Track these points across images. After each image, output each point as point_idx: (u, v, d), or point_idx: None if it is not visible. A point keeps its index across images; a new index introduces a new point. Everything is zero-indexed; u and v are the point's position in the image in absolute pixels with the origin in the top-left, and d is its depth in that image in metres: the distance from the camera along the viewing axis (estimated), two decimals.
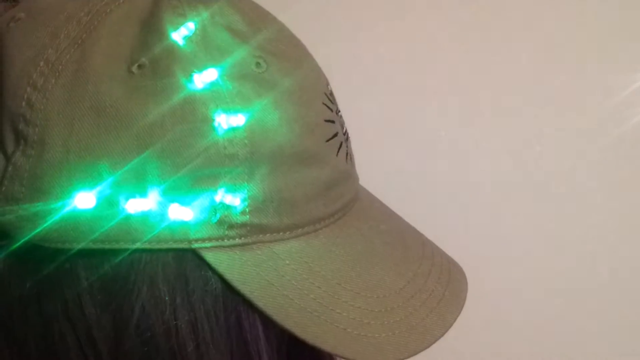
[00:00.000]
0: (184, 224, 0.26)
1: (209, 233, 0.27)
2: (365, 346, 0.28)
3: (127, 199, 0.26)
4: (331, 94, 0.33)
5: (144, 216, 0.26)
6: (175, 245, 0.26)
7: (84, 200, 0.26)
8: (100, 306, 0.27)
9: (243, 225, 0.27)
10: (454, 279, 0.34)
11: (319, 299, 0.28)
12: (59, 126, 0.26)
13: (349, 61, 0.63)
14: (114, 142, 0.26)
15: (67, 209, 0.26)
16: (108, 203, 0.26)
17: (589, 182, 0.62)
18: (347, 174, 0.33)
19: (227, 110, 0.27)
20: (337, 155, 0.32)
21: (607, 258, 0.63)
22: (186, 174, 0.26)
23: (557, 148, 0.62)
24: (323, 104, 0.31)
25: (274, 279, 0.28)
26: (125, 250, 0.26)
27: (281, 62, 0.29)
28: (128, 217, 0.26)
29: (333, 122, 0.32)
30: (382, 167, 0.63)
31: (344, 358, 0.29)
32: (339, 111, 0.34)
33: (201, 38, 0.27)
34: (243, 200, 0.27)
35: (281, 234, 0.29)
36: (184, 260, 0.27)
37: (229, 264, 0.27)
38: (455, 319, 0.32)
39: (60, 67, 0.27)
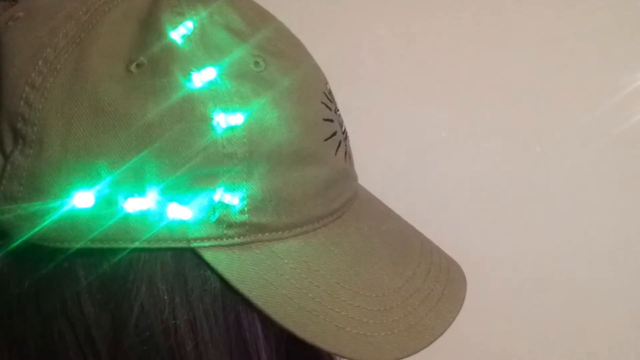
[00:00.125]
0: (182, 223, 0.26)
1: (207, 232, 0.27)
2: (364, 345, 0.28)
3: (125, 198, 0.26)
4: (330, 92, 0.33)
5: (143, 215, 0.26)
6: (174, 245, 0.26)
7: (82, 199, 0.26)
8: (99, 305, 0.27)
9: (242, 224, 0.27)
10: (452, 278, 0.34)
11: (317, 298, 0.28)
12: (57, 125, 0.26)
13: (349, 60, 0.63)
14: (112, 142, 0.26)
15: (66, 208, 0.26)
16: (106, 202, 0.26)
17: (589, 182, 0.62)
18: (346, 173, 0.33)
19: (226, 110, 0.27)
20: (335, 154, 0.32)
21: (608, 258, 0.63)
22: (185, 173, 0.26)
23: (557, 148, 0.62)
24: (322, 103, 0.31)
25: (272, 278, 0.28)
26: (124, 249, 0.26)
27: (280, 61, 0.29)
28: (127, 216, 0.26)
29: (332, 121, 0.32)
30: (381, 167, 0.63)
31: (342, 357, 0.29)
32: (338, 110, 0.34)
33: (200, 37, 0.27)
34: (242, 200, 0.27)
35: (280, 233, 0.29)
36: (182, 260, 0.27)
37: (227, 263, 0.27)
38: (454, 318, 0.32)
39: (59, 66, 0.27)
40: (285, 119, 0.28)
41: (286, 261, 0.29)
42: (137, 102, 0.26)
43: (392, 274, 0.32)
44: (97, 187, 0.26)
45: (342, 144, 0.33)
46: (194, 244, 0.27)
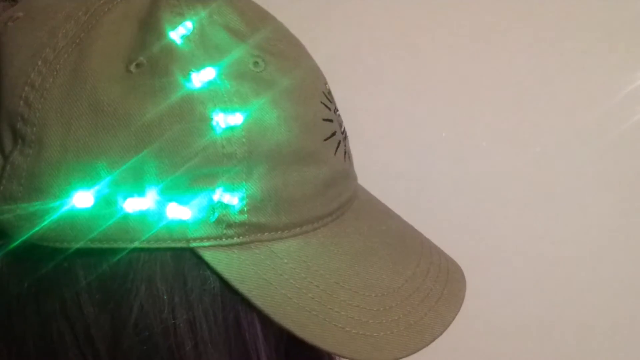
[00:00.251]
0: (182, 223, 0.26)
1: (207, 232, 0.27)
2: (363, 345, 0.28)
3: (125, 198, 0.26)
4: (329, 93, 0.33)
5: (142, 215, 0.26)
6: (173, 245, 0.26)
7: (81, 199, 0.26)
8: (98, 305, 0.27)
9: (241, 224, 0.27)
10: (452, 278, 0.34)
11: (317, 297, 0.28)
12: (56, 125, 0.26)
13: (348, 60, 0.63)
14: (112, 142, 0.26)
15: (65, 208, 0.26)
16: (106, 202, 0.26)
17: (589, 182, 0.62)
18: (346, 173, 0.33)
19: (225, 110, 0.27)
20: (335, 154, 0.32)
21: (608, 258, 0.63)
22: (184, 173, 0.26)
23: (557, 148, 0.62)
24: (321, 102, 0.31)
25: (272, 278, 0.28)
26: (124, 249, 0.26)
27: (279, 61, 0.29)
28: (126, 216, 0.26)
29: (331, 121, 0.32)
30: (381, 167, 0.63)
31: (342, 357, 0.29)
32: (337, 110, 0.34)
33: (199, 37, 0.27)
34: (241, 200, 0.27)
35: (279, 233, 0.29)
36: (182, 260, 0.27)
37: (227, 263, 0.27)
38: (453, 318, 0.32)
39: (58, 66, 0.27)
40: (285, 119, 0.28)
41: (285, 261, 0.29)
42: (136, 102, 0.26)
43: (392, 273, 0.32)
44: (97, 187, 0.26)
45: (342, 144, 0.33)
46: (193, 244, 0.27)
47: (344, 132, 0.34)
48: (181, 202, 0.26)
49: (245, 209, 0.27)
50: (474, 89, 0.62)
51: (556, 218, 0.63)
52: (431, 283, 0.33)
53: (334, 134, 0.32)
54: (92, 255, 0.26)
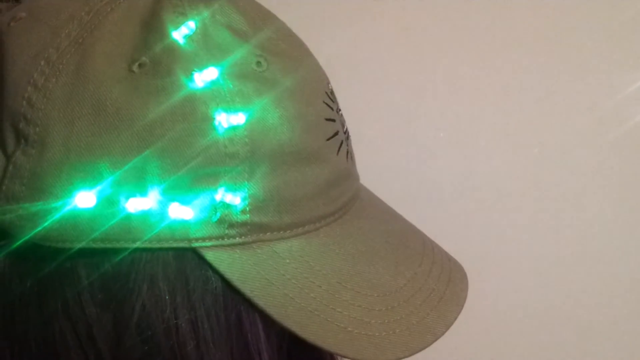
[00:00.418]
0: (184, 223, 0.26)
1: (209, 232, 0.27)
2: (365, 345, 0.28)
3: (127, 198, 0.26)
4: (332, 92, 0.33)
5: (144, 215, 0.26)
6: (175, 245, 0.26)
7: (84, 199, 0.26)
8: (100, 305, 0.27)
9: (243, 224, 0.27)
10: (454, 278, 0.34)
11: (319, 297, 0.28)
12: (59, 125, 0.26)
13: (350, 60, 0.63)
14: (114, 141, 0.26)
15: (68, 208, 0.26)
16: (108, 202, 0.26)
17: (590, 182, 0.62)
18: (348, 173, 0.33)
19: (228, 109, 0.27)
20: (337, 154, 0.32)
21: (608, 258, 0.63)
22: (186, 173, 0.26)
23: (557, 148, 0.62)
24: (324, 102, 0.31)
25: (274, 278, 0.28)
26: (126, 249, 0.26)
27: (282, 61, 0.29)
28: (128, 216, 0.26)
29: (333, 120, 0.32)
30: (382, 167, 0.63)
31: (344, 357, 0.29)
32: (340, 110, 0.34)
33: (202, 37, 0.27)
34: (243, 199, 0.27)
35: (282, 232, 0.29)
36: (184, 259, 0.27)
37: (229, 263, 0.27)
38: (455, 318, 0.32)
39: (61, 66, 0.27)
40: (287, 118, 0.28)
41: (288, 261, 0.29)
42: (139, 102, 0.26)
43: (394, 273, 0.32)
44: (99, 187, 0.26)
45: (344, 143, 0.33)
46: (195, 244, 0.27)
47: (346, 132, 0.34)
48: (183, 202, 0.26)
49: (247, 208, 0.27)
50: (474, 88, 0.62)
51: (556, 218, 0.63)
52: (433, 283, 0.33)
53: (336, 133, 0.32)
54: (94, 255, 0.26)
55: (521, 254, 0.65)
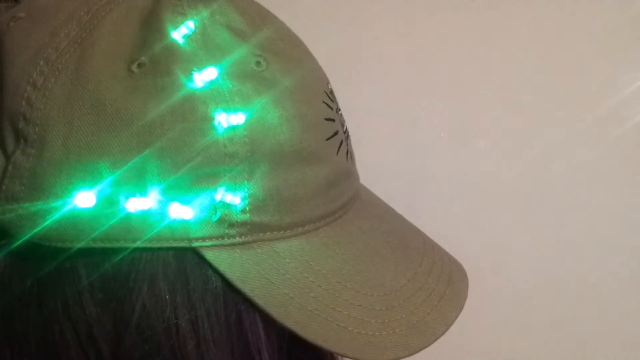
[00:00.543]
0: (184, 222, 0.26)
1: (209, 232, 0.27)
2: (365, 344, 0.28)
3: (127, 197, 0.26)
4: (331, 92, 0.33)
5: (144, 215, 0.26)
6: (175, 244, 0.26)
7: (84, 199, 0.26)
8: (100, 305, 0.27)
9: (243, 223, 0.27)
10: (455, 278, 0.34)
11: (319, 297, 0.28)
12: (58, 125, 0.26)
13: (350, 60, 0.63)
14: (113, 141, 0.26)
15: (67, 207, 0.26)
16: (108, 202, 0.26)
17: (590, 182, 0.62)
18: (348, 173, 0.33)
19: (227, 109, 0.27)
20: (337, 153, 0.32)
21: (608, 258, 0.63)
22: (186, 172, 0.26)
23: (557, 148, 0.62)
24: (323, 102, 0.31)
25: (274, 278, 0.28)
26: (126, 249, 0.26)
27: (281, 60, 0.29)
28: (128, 215, 0.26)
29: (333, 120, 0.32)
30: (382, 166, 0.63)
31: (344, 356, 0.29)
32: (339, 110, 0.34)
33: (201, 37, 0.27)
34: (243, 199, 0.27)
35: (282, 232, 0.29)
36: (184, 259, 0.27)
37: (229, 262, 0.27)
38: (456, 318, 0.32)
39: (60, 66, 0.27)
40: (287, 118, 0.28)
41: (288, 260, 0.29)
42: (138, 102, 0.26)
43: (394, 273, 0.32)
44: (99, 187, 0.26)
45: (344, 143, 0.33)
46: (195, 244, 0.27)
47: (346, 132, 0.34)
48: (183, 202, 0.26)
49: (247, 208, 0.27)
50: (474, 89, 0.62)
51: (556, 218, 0.63)
52: (434, 282, 0.33)
53: (336, 133, 0.32)
54: (94, 254, 0.26)
55: (521, 254, 0.65)
